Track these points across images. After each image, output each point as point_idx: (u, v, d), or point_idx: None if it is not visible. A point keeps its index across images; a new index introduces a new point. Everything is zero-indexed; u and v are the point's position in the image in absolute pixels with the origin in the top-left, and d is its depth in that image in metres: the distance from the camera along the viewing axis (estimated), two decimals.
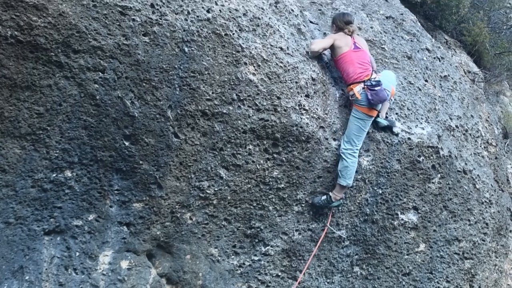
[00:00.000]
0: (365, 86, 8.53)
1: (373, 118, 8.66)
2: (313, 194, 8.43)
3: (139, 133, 7.03)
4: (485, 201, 10.29)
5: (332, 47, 8.77)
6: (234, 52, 7.40)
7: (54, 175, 6.81)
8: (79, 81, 6.58)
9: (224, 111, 7.42)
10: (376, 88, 8.52)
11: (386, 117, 8.99)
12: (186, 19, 7.05)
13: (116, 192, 7.22)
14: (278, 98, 7.74)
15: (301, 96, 7.98)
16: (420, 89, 9.84)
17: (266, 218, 8.19)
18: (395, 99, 9.22)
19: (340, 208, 8.80)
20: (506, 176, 11.66)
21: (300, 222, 8.46)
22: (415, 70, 10.12)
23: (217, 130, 7.47)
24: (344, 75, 8.73)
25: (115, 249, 7.37)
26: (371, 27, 10.10)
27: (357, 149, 8.52)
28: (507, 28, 15.74)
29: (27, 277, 6.79)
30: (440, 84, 10.46)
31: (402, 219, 9.26)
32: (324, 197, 8.56)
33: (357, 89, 8.56)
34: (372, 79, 8.57)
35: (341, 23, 9.00)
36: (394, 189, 9.05)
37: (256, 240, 8.27)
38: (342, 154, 8.44)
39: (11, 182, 6.58)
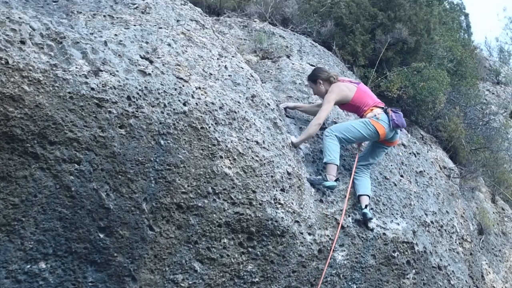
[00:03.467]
0: (388, 109, 8.85)
1: (377, 140, 8.99)
2: None
3: (114, 225, 6.98)
4: None
5: (338, 101, 9.07)
6: (210, 146, 7.44)
7: (28, 266, 6.70)
8: (55, 172, 6.54)
9: (199, 204, 7.41)
10: (399, 112, 8.90)
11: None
12: (162, 112, 7.11)
13: (90, 284, 7.11)
14: (254, 192, 7.74)
15: (277, 190, 7.99)
16: (395, 184, 9.92)
17: None
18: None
19: (332, 190, 8.86)
20: (480, 273, 11.63)
21: None
22: (391, 165, 10.20)
23: (192, 223, 7.44)
24: (362, 107, 9.03)
25: None
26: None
27: (336, 136, 8.74)
28: (483, 124, 15.95)
29: None
30: (416, 180, 10.54)
31: None
32: (319, 176, 8.71)
33: (378, 111, 8.89)
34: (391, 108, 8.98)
35: (326, 74, 9.33)
36: (369, 284, 9.00)
37: None
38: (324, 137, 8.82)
39: None
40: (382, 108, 9.03)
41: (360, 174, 9.18)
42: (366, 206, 8.91)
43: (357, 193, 9.06)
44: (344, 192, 9.01)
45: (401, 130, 9.25)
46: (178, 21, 8.79)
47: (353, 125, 8.88)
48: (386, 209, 9.40)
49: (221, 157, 7.52)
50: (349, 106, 9.21)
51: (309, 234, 8.35)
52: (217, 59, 8.51)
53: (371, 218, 8.89)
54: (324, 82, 9.21)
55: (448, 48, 15.36)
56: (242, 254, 7.88)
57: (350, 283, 8.86)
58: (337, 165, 8.72)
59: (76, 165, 6.63)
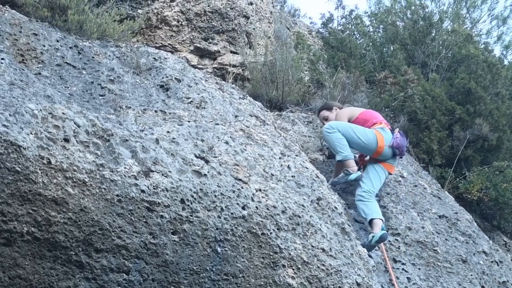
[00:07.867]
0: (396, 130, 9.38)
1: (374, 151, 9.22)
2: None
3: None
4: None
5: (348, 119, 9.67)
6: (271, 253, 7.01)
7: None
8: (101, 283, 6.20)
9: None
10: (405, 137, 9.42)
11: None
12: (219, 217, 6.74)
13: None
14: None
15: None
16: None
17: None
18: None
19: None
20: None
21: None
22: (471, 275, 9.64)
23: None
24: (371, 120, 9.53)
25: None
26: (422, 227, 9.74)
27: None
28: None
29: None
30: None
31: None
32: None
33: (381, 125, 9.38)
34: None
35: (339, 103, 10.54)
36: None
37: None
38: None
39: None
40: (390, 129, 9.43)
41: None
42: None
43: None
44: None
45: (400, 156, 9.54)
46: (236, 116, 8.63)
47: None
48: None
49: (283, 266, 7.08)
50: (357, 120, 9.57)
51: None
52: (279, 158, 8.24)
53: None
54: (338, 109, 10.08)
55: None
56: None
57: None
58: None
59: (124, 274, 6.30)
